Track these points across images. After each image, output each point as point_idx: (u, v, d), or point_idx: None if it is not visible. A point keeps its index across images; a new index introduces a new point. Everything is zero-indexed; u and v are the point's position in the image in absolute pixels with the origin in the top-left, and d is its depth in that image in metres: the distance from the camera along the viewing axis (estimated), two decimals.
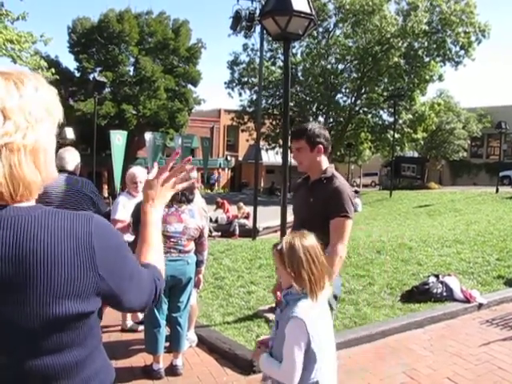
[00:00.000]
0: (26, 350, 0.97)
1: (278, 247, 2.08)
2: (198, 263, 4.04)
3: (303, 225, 2.60)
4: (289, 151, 5.55)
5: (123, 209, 4.45)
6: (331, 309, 2.59)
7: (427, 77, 25.85)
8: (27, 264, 0.93)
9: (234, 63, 29.72)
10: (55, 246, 0.96)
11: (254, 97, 28.49)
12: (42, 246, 0.94)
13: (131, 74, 31.96)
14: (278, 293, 2.61)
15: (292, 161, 6.63)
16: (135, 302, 1.18)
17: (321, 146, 2.85)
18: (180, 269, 3.78)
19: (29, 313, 0.94)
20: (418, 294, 5.63)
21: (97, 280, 1.02)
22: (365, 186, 40.47)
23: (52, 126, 1.05)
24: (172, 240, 3.74)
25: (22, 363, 0.97)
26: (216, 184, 39.10)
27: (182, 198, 3.79)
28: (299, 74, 27.46)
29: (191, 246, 3.91)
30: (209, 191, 31.71)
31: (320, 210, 2.73)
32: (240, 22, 14.32)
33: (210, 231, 14.23)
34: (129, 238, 4.08)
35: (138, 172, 4.67)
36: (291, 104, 23.60)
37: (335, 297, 2.76)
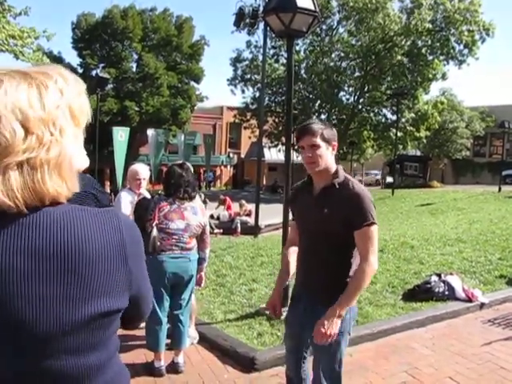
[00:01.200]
0: (54, 349, 0.95)
1: None
2: (200, 261, 4.03)
3: (319, 242, 2.47)
4: (291, 149, 5.54)
5: (127, 206, 4.44)
6: (348, 334, 2.51)
7: (430, 75, 25.78)
8: (59, 259, 0.92)
9: (237, 60, 29.71)
10: (87, 240, 0.95)
11: (257, 94, 28.50)
12: (73, 241, 0.93)
13: (134, 70, 31.98)
14: (273, 305, 2.63)
15: (295, 158, 6.62)
16: (148, 308, 1.21)
17: (334, 143, 2.51)
18: (182, 266, 3.77)
19: (61, 310, 0.93)
20: (420, 293, 5.62)
21: (128, 275, 1.02)
22: (367, 184, 40.43)
23: (79, 129, 1.01)
24: (174, 237, 3.73)
25: (45, 363, 0.95)
26: (212, 182, 38.91)
27: (184, 194, 3.77)
28: (302, 71, 27.44)
29: (193, 243, 3.90)
30: (204, 189, 31.59)
31: (339, 221, 2.37)
32: (243, 19, 14.27)
33: (212, 228, 14.26)
34: None
35: (141, 169, 4.66)
36: (294, 101, 23.58)
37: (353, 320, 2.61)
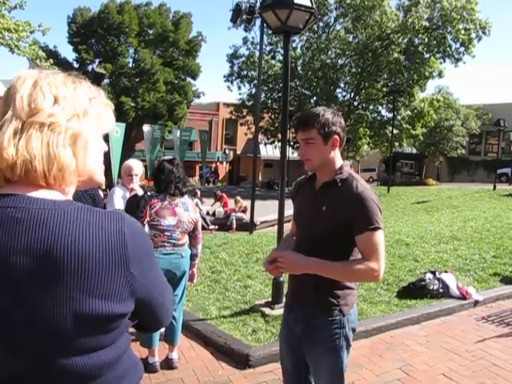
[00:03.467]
0: (58, 349, 0.95)
1: None
2: (193, 257, 4.01)
3: (312, 241, 2.20)
4: (287, 145, 5.54)
5: (120, 201, 4.43)
6: (348, 345, 2.23)
7: (427, 73, 25.76)
8: (56, 259, 0.92)
9: (233, 56, 29.58)
10: (87, 242, 0.95)
11: (253, 90, 28.40)
12: (73, 241, 0.94)
13: (130, 66, 31.82)
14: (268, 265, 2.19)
15: (290, 154, 6.62)
16: (165, 311, 1.19)
17: (336, 137, 2.18)
18: (174, 262, 3.75)
19: (58, 311, 0.93)
20: (415, 291, 5.65)
21: (129, 280, 1.01)
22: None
23: (99, 129, 1.11)
24: (166, 233, 3.71)
25: (52, 362, 0.96)
26: (214, 179, 38.82)
27: (175, 190, 3.75)
28: (299, 68, 27.37)
29: (185, 239, 3.89)
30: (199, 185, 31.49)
31: (336, 221, 2.11)
32: (240, 15, 14.25)
33: (207, 224, 14.25)
34: None
35: (134, 165, 4.64)
36: (290, 98, 23.55)
37: (353, 330, 2.27)
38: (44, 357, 0.95)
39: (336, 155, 2.25)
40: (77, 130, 1.03)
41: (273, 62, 28.53)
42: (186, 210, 3.83)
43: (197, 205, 4.68)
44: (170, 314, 1.24)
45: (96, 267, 0.95)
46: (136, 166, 4.64)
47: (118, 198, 4.47)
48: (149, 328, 1.20)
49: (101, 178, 1.13)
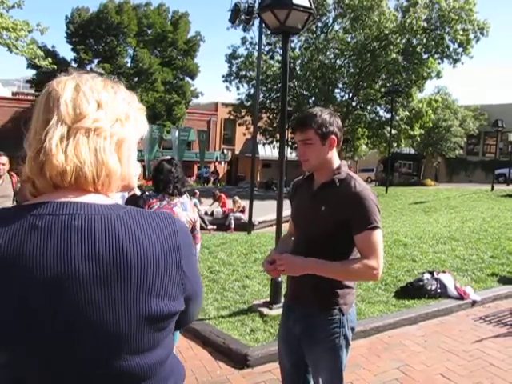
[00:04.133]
0: (115, 350, 0.96)
1: None
2: None
3: (310, 241, 2.20)
4: (285, 145, 5.55)
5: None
6: (347, 344, 2.23)
7: (425, 74, 25.79)
8: (119, 263, 0.93)
9: (232, 56, 29.56)
10: (146, 245, 0.96)
11: (252, 90, 28.40)
12: (132, 244, 0.95)
13: (129, 65, 31.81)
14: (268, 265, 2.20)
15: (289, 155, 6.62)
16: (195, 312, 1.22)
17: (334, 137, 2.21)
18: None
19: (121, 313, 0.94)
20: (413, 291, 5.65)
21: (183, 278, 1.03)
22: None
23: (138, 134, 1.12)
24: None
25: (110, 363, 0.97)
26: (206, 178, 38.57)
27: (173, 190, 3.76)
28: (297, 68, 27.38)
29: None
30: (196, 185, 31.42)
31: (335, 221, 2.11)
32: (239, 15, 14.26)
33: (206, 224, 14.25)
34: None
35: None
36: (288, 98, 23.56)
37: (352, 329, 2.27)
38: (102, 358, 0.96)
39: (333, 155, 2.26)
40: (121, 135, 1.04)
41: (271, 62, 28.51)
42: (185, 210, 3.82)
43: (195, 205, 4.69)
44: (200, 307, 1.27)
45: (156, 268, 0.97)
46: None
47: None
48: (181, 324, 1.19)
49: (135, 181, 1.15)
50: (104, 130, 1.00)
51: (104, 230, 0.94)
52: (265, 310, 4.96)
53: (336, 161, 2.27)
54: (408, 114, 26.57)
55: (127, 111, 1.07)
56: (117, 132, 1.03)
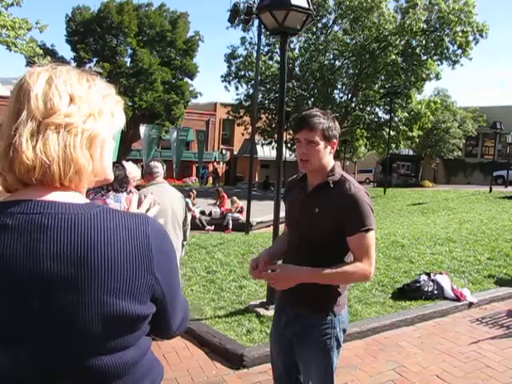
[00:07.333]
0: (85, 350, 0.97)
1: None
2: None
3: (304, 243, 2.21)
4: (283, 146, 5.54)
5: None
6: (339, 345, 2.23)
7: (424, 75, 25.83)
8: (86, 263, 0.92)
9: (231, 56, 29.57)
10: (114, 245, 0.95)
11: (251, 91, 28.40)
12: (101, 245, 0.94)
13: (128, 65, 31.78)
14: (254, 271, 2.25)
15: (287, 156, 6.60)
16: (177, 319, 1.19)
17: (335, 141, 2.23)
18: None
19: (88, 313, 0.94)
20: (410, 292, 5.66)
21: (153, 282, 1.02)
22: (360, 182, 40.31)
23: (112, 129, 1.09)
24: None
25: (81, 362, 0.97)
26: (206, 177, 38.52)
27: (108, 187, 3.85)
28: (296, 69, 27.40)
29: None
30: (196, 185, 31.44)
31: (329, 223, 2.11)
32: (238, 16, 14.24)
33: (204, 224, 14.25)
34: None
35: (130, 168, 4.64)
36: (287, 99, 23.58)
37: (344, 330, 2.27)
38: (73, 357, 0.97)
39: (330, 158, 2.25)
40: (93, 131, 1.01)
41: (270, 62, 28.52)
42: (117, 202, 3.88)
43: (187, 204, 4.75)
44: (185, 324, 1.24)
45: (124, 269, 0.96)
46: (132, 169, 4.65)
47: (122, 200, 4.51)
48: (163, 331, 1.18)
49: (111, 176, 1.12)
50: (75, 127, 0.98)
51: (72, 230, 0.93)
52: (261, 311, 4.96)
53: (331, 162, 2.25)
54: (407, 115, 26.60)
55: (101, 106, 1.05)
56: (89, 128, 1.00)
